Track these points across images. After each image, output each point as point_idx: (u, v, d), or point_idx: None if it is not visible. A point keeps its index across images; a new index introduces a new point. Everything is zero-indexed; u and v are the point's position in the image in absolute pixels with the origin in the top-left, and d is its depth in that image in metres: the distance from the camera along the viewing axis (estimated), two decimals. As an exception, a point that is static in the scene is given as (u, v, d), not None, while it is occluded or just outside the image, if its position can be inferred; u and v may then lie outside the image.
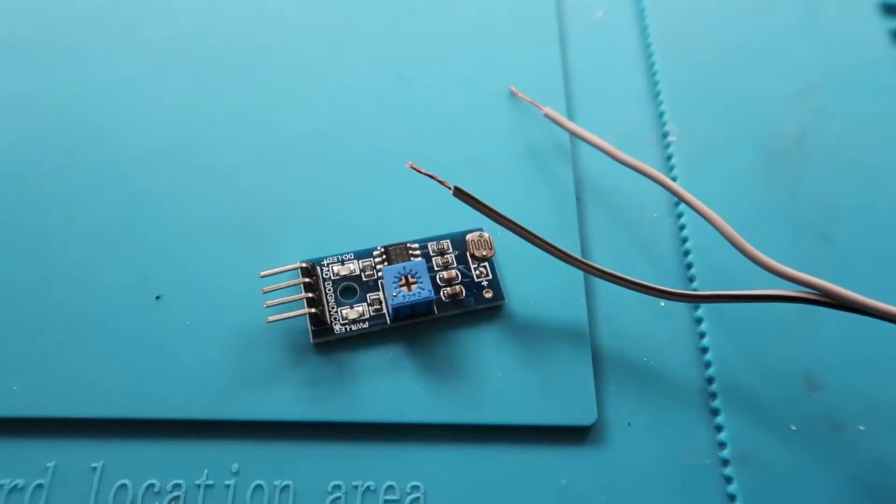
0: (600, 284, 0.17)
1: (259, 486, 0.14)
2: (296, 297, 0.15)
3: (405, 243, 0.16)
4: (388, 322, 0.15)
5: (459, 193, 0.14)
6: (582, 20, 0.21)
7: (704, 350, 0.16)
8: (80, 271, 0.15)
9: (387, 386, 0.15)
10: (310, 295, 0.15)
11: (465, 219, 0.17)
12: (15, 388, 0.14)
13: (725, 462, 0.15)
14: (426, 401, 0.15)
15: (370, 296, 0.16)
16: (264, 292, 0.15)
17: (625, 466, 0.15)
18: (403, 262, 0.16)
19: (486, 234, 0.16)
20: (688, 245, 0.17)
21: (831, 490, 0.15)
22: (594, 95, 0.20)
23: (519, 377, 0.15)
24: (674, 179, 0.18)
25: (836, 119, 0.19)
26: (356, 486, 0.14)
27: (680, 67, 0.20)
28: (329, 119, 0.18)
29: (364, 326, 0.15)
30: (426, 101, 0.19)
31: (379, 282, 0.16)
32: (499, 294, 0.16)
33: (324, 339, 0.15)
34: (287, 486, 0.14)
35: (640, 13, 0.21)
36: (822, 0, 0.22)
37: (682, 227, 0.18)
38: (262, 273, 0.15)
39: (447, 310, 0.16)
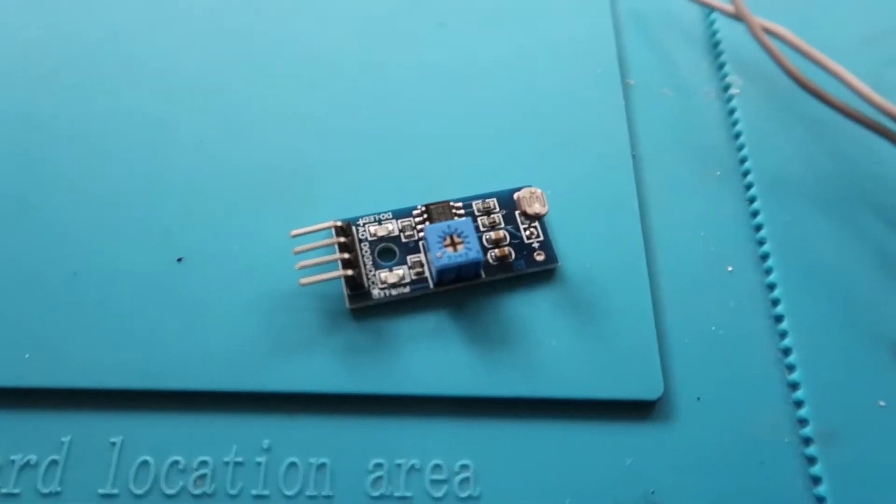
0: (662, 246, 0.15)
1: (293, 464, 0.13)
2: (330, 258, 0.14)
3: (448, 201, 0.15)
4: (432, 286, 0.14)
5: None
6: None
7: (779, 318, 0.14)
8: (98, 232, 0.14)
9: (430, 355, 0.13)
10: (345, 256, 0.14)
11: (512, 175, 0.15)
12: (27, 356, 0.13)
13: (807, 440, 0.13)
14: (474, 372, 0.13)
15: (410, 258, 0.14)
16: (296, 253, 0.14)
17: (694, 444, 0.13)
18: (445, 221, 0.14)
19: (537, 190, 0.14)
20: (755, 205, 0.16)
21: (927, 472, 0.13)
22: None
23: (575, 347, 0.14)
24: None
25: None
26: (399, 465, 0.13)
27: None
28: (365, 68, 0.17)
29: (405, 291, 0.14)
30: (467, 50, 0.17)
31: (420, 243, 0.14)
32: (551, 256, 0.14)
33: (361, 305, 0.14)
34: (323, 465, 0.13)
35: None
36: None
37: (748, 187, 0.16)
38: (294, 232, 0.14)
39: (495, 273, 0.14)
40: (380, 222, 0.15)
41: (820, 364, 0.14)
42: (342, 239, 0.14)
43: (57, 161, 0.15)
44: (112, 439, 0.13)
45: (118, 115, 0.16)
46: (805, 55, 0.16)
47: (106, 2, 0.18)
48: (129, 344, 0.13)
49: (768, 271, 0.15)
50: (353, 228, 0.14)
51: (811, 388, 0.14)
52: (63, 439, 0.13)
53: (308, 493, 0.12)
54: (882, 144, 0.16)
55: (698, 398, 0.14)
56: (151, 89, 0.16)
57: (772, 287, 0.15)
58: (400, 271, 0.14)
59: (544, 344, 0.14)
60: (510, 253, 0.14)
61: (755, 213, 0.16)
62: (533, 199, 0.14)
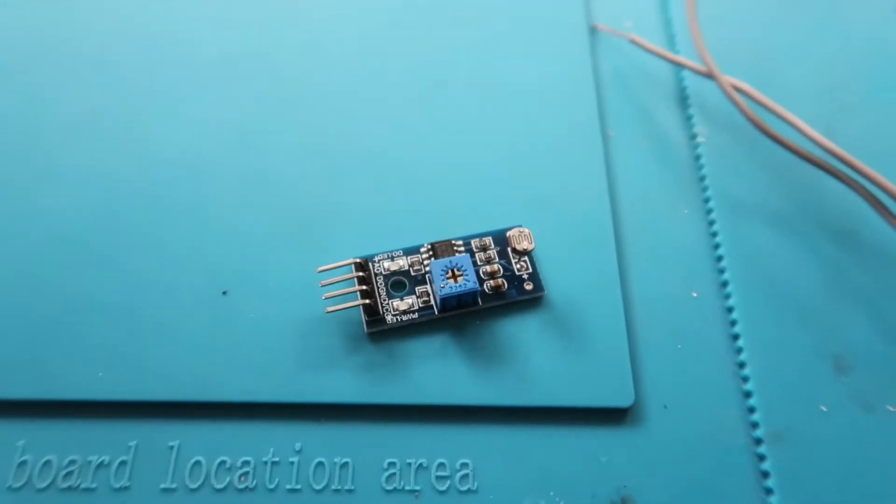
0: (635, 275, 0.18)
1: (320, 463, 0.15)
2: (350, 289, 0.16)
3: (450, 240, 0.17)
4: (436, 312, 0.16)
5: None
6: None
7: (736, 336, 0.17)
8: (158, 272, 0.17)
9: (436, 371, 0.16)
10: (363, 287, 0.16)
11: (505, 216, 0.18)
12: (100, 374, 0.16)
13: (758, 441, 0.16)
14: (473, 384, 0.16)
15: (419, 289, 0.17)
16: (322, 285, 0.16)
17: (662, 446, 0.15)
18: (447, 257, 0.17)
19: (525, 229, 0.17)
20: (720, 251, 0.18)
21: (862, 469, 0.15)
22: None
23: (559, 362, 0.16)
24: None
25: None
26: (409, 464, 0.15)
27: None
28: (375, 128, 0.19)
29: (414, 317, 0.16)
30: (464, 106, 0.20)
31: (426, 276, 0.17)
32: (539, 286, 0.17)
33: (377, 329, 0.16)
34: (346, 463, 0.15)
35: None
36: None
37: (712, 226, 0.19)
38: (320, 268, 0.16)
39: (490, 301, 0.17)
40: (392, 258, 0.17)
41: (770, 375, 0.16)
42: (360, 273, 0.16)
43: (126, 213, 0.18)
44: (170, 443, 0.15)
45: (172, 168, 0.18)
46: (766, 108, 0.19)
47: (157, 55, 0.20)
48: (183, 363, 0.16)
49: (728, 296, 0.17)
50: (370, 264, 0.17)
51: (762, 396, 0.16)
52: (130, 443, 0.15)
53: (333, 487, 0.15)
54: (830, 181, 0.19)
55: (665, 406, 0.16)
56: (196, 145, 0.19)
57: (730, 310, 0.17)
58: (410, 300, 0.17)
59: (532, 360, 0.16)
60: (503, 283, 0.17)
61: (717, 246, 0.18)
62: (522, 237, 0.17)
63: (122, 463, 0.15)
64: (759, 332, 0.17)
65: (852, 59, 0.22)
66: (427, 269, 0.17)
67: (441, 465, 0.15)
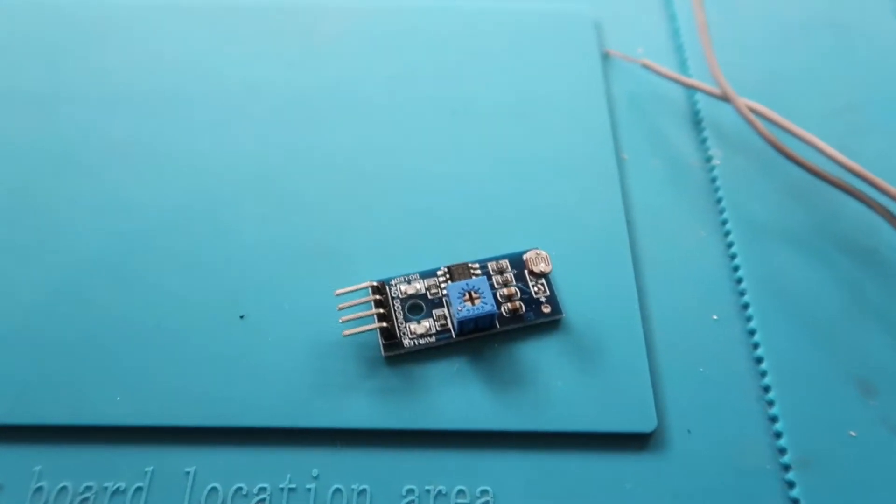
0: (654, 298, 0.17)
1: (338, 490, 0.15)
2: (368, 312, 0.16)
3: (466, 263, 0.17)
4: (454, 336, 0.16)
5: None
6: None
7: (759, 360, 0.17)
8: (176, 295, 0.17)
9: (454, 395, 0.16)
10: (381, 311, 0.16)
11: (521, 240, 0.18)
12: (118, 398, 0.15)
13: (786, 467, 0.15)
14: (492, 409, 0.16)
15: (436, 312, 0.17)
16: (340, 308, 0.16)
17: (687, 472, 0.15)
18: (464, 280, 0.17)
19: (542, 252, 0.17)
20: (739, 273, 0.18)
21: (894, 493, 0.15)
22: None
23: (579, 386, 0.16)
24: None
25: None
26: (428, 490, 0.15)
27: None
28: (392, 154, 0.20)
29: (431, 340, 0.16)
30: (480, 131, 0.20)
31: (443, 299, 0.17)
32: (557, 309, 0.17)
33: (394, 353, 0.16)
34: (364, 490, 0.15)
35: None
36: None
37: (730, 245, 0.18)
38: (338, 291, 0.16)
39: (508, 324, 0.17)
40: (409, 282, 0.17)
41: (796, 399, 0.16)
42: (378, 296, 0.16)
43: (144, 238, 0.18)
44: (187, 469, 0.15)
45: (191, 194, 0.19)
46: (782, 128, 0.19)
47: (182, 87, 0.21)
48: (200, 388, 0.16)
49: (749, 318, 0.17)
50: (387, 287, 0.17)
51: (789, 420, 0.16)
52: (146, 469, 0.15)
53: (351, 514, 0.15)
54: (847, 200, 0.18)
55: (689, 431, 0.16)
56: (215, 172, 0.19)
57: (752, 332, 0.17)
58: (427, 323, 0.16)
59: (552, 384, 0.16)
60: (521, 306, 0.17)
61: (736, 268, 0.18)
62: (539, 260, 0.17)
63: (139, 489, 0.15)
64: (783, 355, 0.17)
65: (862, 83, 0.22)
66: (444, 292, 0.17)
67: (461, 491, 0.15)
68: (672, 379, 0.16)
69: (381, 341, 0.16)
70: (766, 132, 0.19)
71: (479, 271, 0.17)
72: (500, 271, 0.17)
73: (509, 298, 0.17)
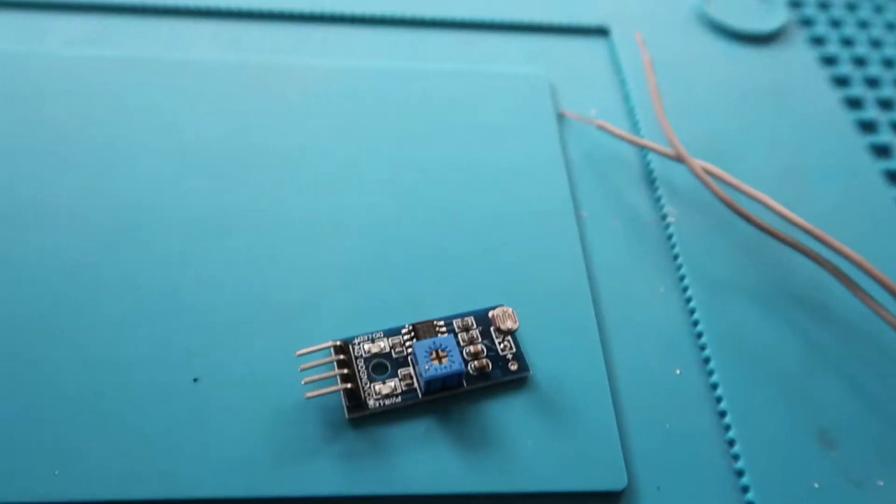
0: (618, 353, 0.17)
1: (301, 564, 0.14)
2: (331, 373, 0.16)
3: (432, 321, 0.17)
4: (420, 395, 0.16)
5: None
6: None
7: (723, 413, 0.17)
8: (123, 358, 0.16)
9: (422, 458, 0.15)
10: (344, 371, 0.16)
11: (485, 297, 0.18)
12: (56, 472, 0.14)
13: (755, 522, 0.15)
14: (461, 471, 0.15)
15: (401, 371, 0.16)
16: (302, 370, 0.16)
17: (658, 531, 0.15)
18: (430, 338, 0.16)
19: (509, 309, 0.16)
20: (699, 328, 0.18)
21: (861, 546, 0.15)
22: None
23: (549, 445, 0.16)
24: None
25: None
26: (397, 560, 0.14)
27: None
28: (350, 212, 0.19)
29: (397, 401, 0.16)
30: (441, 192, 0.20)
31: (409, 358, 0.16)
32: (524, 366, 0.17)
33: (359, 414, 0.16)
34: (328, 563, 0.14)
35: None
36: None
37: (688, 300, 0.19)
38: (298, 352, 0.16)
39: (475, 382, 0.16)
40: (373, 340, 0.17)
41: (760, 452, 0.16)
42: (341, 356, 0.16)
43: (90, 296, 0.17)
44: (135, 548, 0.14)
45: (141, 251, 0.18)
46: (734, 188, 0.20)
47: (131, 158, 0.20)
48: (150, 458, 0.15)
49: (710, 372, 0.17)
50: (350, 347, 0.16)
51: (754, 473, 0.16)
52: (89, 550, 0.14)
53: (314, 591, 0.14)
54: (798, 257, 0.19)
55: (658, 487, 0.15)
56: (166, 230, 0.18)
57: (715, 386, 0.17)
58: (392, 383, 0.16)
59: (521, 444, 0.16)
60: (488, 364, 0.16)
61: (696, 323, 0.18)
62: (506, 317, 0.16)
63: (79, 573, 0.14)
64: (745, 409, 0.17)
65: (802, 146, 0.23)
66: (409, 350, 0.16)
67: (430, 560, 0.14)
68: (640, 435, 0.16)
69: (344, 403, 0.16)
70: (720, 191, 0.19)
71: (444, 329, 0.17)
72: (466, 328, 0.17)
73: (476, 356, 0.16)
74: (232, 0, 0.25)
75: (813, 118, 0.24)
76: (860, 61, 0.26)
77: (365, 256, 0.19)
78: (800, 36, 0.27)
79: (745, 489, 0.16)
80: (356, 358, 0.16)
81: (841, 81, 0.26)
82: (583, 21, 0.26)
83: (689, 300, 0.19)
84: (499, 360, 0.17)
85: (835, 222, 0.20)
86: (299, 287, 0.18)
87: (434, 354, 0.16)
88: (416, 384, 0.16)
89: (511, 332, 0.16)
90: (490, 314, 0.17)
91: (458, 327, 0.17)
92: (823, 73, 0.26)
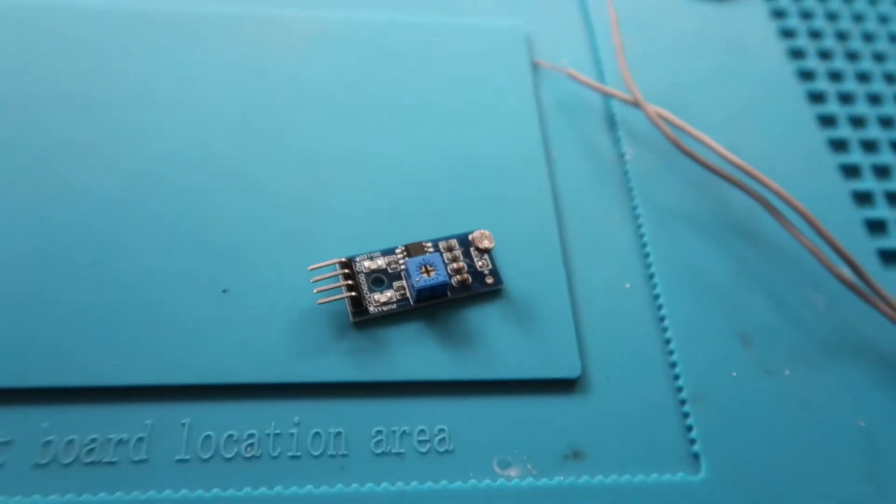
0: (578, 270, 0.21)
1: (317, 433, 0.17)
2: (338, 284, 0.19)
3: (421, 242, 0.20)
4: (412, 303, 0.19)
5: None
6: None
7: (662, 319, 0.20)
8: (165, 272, 0.19)
9: (413, 352, 0.19)
10: (349, 283, 0.19)
11: (467, 223, 0.21)
12: (115, 362, 0.17)
13: (683, 402, 0.19)
14: (446, 362, 0.18)
15: (395, 284, 0.19)
16: (314, 281, 0.19)
17: (605, 409, 0.18)
18: (420, 256, 0.19)
19: (486, 231, 0.20)
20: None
21: (765, 422, 0.19)
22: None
23: (518, 343, 0.19)
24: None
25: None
26: (394, 431, 0.18)
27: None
28: (353, 149, 0.22)
29: (393, 307, 0.19)
30: (429, 132, 0.23)
31: (402, 272, 0.20)
32: (498, 280, 0.20)
33: (361, 318, 0.19)
34: (339, 433, 0.17)
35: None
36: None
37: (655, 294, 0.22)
38: (311, 266, 0.19)
39: (458, 293, 0.19)
40: (372, 258, 0.20)
41: (691, 348, 0.20)
42: (346, 270, 0.19)
43: (136, 223, 0.20)
44: (182, 421, 0.17)
45: (176, 182, 0.21)
46: (683, 130, 0.22)
47: (149, 104, 0.23)
48: (191, 351, 0.18)
49: (654, 286, 0.21)
50: (353, 263, 0.20)
51: (685, 365, 0.19)
52: (146, 422, 0.17)
53: (329, 453, 0.17)
54: (735, 191, 0.22)
55: (606, 377, 0.19)
56: (195, 162, 0.21)
57: (657, 297, 0.21)
58: (388, 293, 0.19)
59: (495, 341, 0.19)
60: (468, 278, 0.20)
61: (644, 245, 0.21)
62: (483, 238, 0.20)
63: (140, 439, 0.17)
64: (681, 315, 0.20)
65: (751, 93, 0.26)
66: (402, 266, 0.20)
67: (421, 431, 0.18)
68: (593, 335, 0.20)
69: (349, 308, 0.19)
70: (671, 134, 0.22)
71: (431, 248, 0.20)
72: (450, 249, 0.20)
73: (458, 272, 0.20)
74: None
75: (760, 69, 0.27)
76: (806, 14, 0.29)
77: (364, 188, 0.21)
78: (755, -9, 0.30)
79: (676, 377, 0.19)
80: (357, 273, 0.19)
81: (787, 34, 0.28)
82: (557, -25, 0.29)
83: (640, 226, 0.22)
84: (477, 275, 0.20)
85: (770, 161, 0.23)
86: (308, 214, 0.21)
87: (424, 269, 0.19)
88: (408, 294, 0.19)
89: (488, 251, 0.20)
90: (470, 236, 0.20)
91: (443, 248, 0.20)
92: (773, 27, 0.28)
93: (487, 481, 0.17)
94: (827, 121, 0.26)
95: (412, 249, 0.20)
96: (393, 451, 0.17)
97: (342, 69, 0.24)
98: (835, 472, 0.18)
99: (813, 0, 0.30)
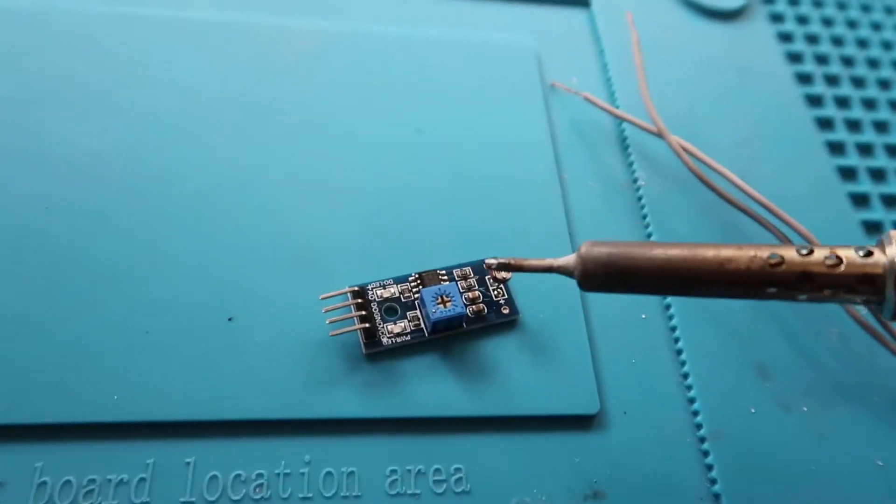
0: (593, 302, 0.20)
1: (329, 473, 0.17)
2: (351, 315, 0.18)
3: (435, 270, 0.19)
4: (426, 334, 0.18)
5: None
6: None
7: (679, 352, 0.20)
8: (169, 301, 0.18)
9: (428, 387, 0.18)
10: (362, 313, 0.18)
11: (478, 249, 0.20)
12: (115, 397, 0.17)
13: (702, 439, 0.18)
14: (461, 398, 0.18)
15: (409, 314, 0.19)
16: (326, 311, 0.18)
17: (624, 446, 0.18)
18: (434, 285, 0.19)
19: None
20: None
21: (784, 458, 0.18)
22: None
23: (535, 377, 0.18)
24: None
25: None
26: (409, 470, 0.17)
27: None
28: (364, 175, 0.21)
29: (406, 338, 0.18)
30: (441, 155, 0.22)
31: (416, 302, 0.19)
32: (514, 310, 0.19)
33: (374, 350, 0.18)
34: (352, 472, 0.17)
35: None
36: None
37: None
38: (323, 296, 0.18)
39: (473, 324, 0.19)
40: (384, 286, 0.19)
41: (709, 383, 0.19)
42: (358, 300, 0.18)
43: (141, 247, 0.19)
44: (187, 460, 0.16)
45: (184, 207, 0.20)
46: (702, 161, 0.22)
47: (174, 101, 0.22)
48: (196, 384, 0.17)
49: (671, 317, 0.20)
50: (366, 292, 0.19)
51: (703, 401, 0.19)
52: (148, 461, 0.16)
53: (342, 494, 0.16)
54: (747, 220, 0.22)
55: (625, 412, 0.19)
56: (206, 186, 0.20)
57: (674, 329, 0.20)
58: (402, 324, 0.18)
59: (511, 375, 0.18)
60: (484, 308, 0.19)
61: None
62: (500, 268, 0.19)
63: (142, 480, 0.16)
64: (698, 347, 0.20)
65: (758, 117, 0.26)
66: (416, 295, 0.19)
67: (437, 470, 0.17)
68: (610, 369, 0.19)
69: (361, 340, 0.18)
70: (692, 165, 0.22)
71: (445, 277, 0.19)
72: (465, 277, 0.20)
73: (474, 301, 0.19)
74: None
75: (768, 92, 0.27)
76: (812, 38, 0.29)
77: (373, 212, 0.21)
78: (761, 12, 0.29)
79: (695, 413, 0.19)
80: (370, 302, 0.19)
81: (794, 58, 0.28)
82: (566, -9, 0.28)
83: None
84: (493, 305, 0.19)
85: (780, 187, 0.23)
86: (319, 240, 0.20)
87: (440, 299, 0.18)
88: (422, 324, 0.19)
89: (505, 282, 0.19)
90: (485, 264, 0.19)
91: (458, 276, 0.20)
92: (780, 50, 0.28)
93: (507, 524, 0.17)
94: (835, 147, 0.26)
95: (426, 278, 0.19)
96: (408, 491, 0.17)
97: (352, 87, 0.23)
98: (854, 512, 0.18)
99: (818, 24, 0.30)
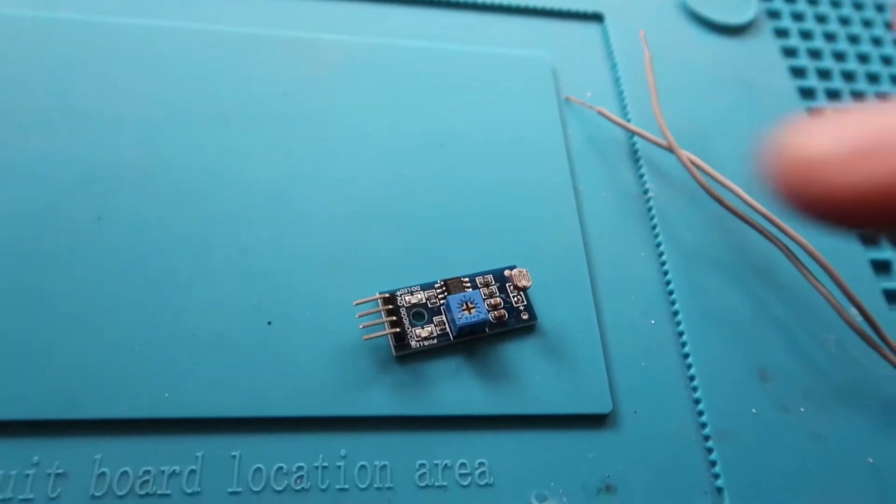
0: (606, 306, 0.22)
1: (363, 466, 0.18)
2: (383, 320, 0.19)
3: (459, 277, 0.21)
4: (452, 338, 0.20)
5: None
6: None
7: (686, 355, 0.21)
8: (213, 307, 0.19)
9: (454, 387, 0.19)
10: (393, 318, 0.19)
11: (498, 257, 0.21)
12: (166, 394, 0.18)
13: (707, 437, 0.20)
14: (484, 398, 0.19)
15: (435, 318, 0.20)
16: (359, 316, 0.19)
17: (634, 443, 0.19)
18: (458, 292, 0.20)
19: (524, 270, 0.20)
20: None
21: (784, 457, 0.20)
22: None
23: (552, 378, 0.20)
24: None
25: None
26: (437, 464, 0.18)
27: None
28: (392, 186, 0.23)
29: (433, 342, 0.20)
30: (462, 169, 0.23)
31: (441, 307, 0.20)
32: (533, 316, 0.21)
33: (404, 353, 0.19)
34: (384, 466, 0.18)
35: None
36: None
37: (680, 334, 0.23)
38: (356, 301, 0.19)
39: (494, 329, 0.20)
40: (412, 293, 0.20)
41: (714, 385, 0.21)
42: (389, 306, 0.20)
43: (182, 258, 0.20)
44: (233, 453, 0.18)
45: (227, 218, 0.21)
46: (712, 177, 0.23)
47: (192, 125, 0.23)
48: (240, 384, 0.18)
49: (678, 323, 0.22)
50: (396, 298, 0.20)
51: (708, 402, 0.20)
52: (197, 454, 0.18)
53: (375, 486, 0.18)
54: (754, 233, 0.23)
55: (635, 411, 0.20)
56: (245, 199, 0.21)
57: (681, 334, 0.22)
58: (429, 328, 0.20)
59: (531, 378, 0.20)
60: (504, 314, 0.20)
61: (668, 283, 0.22)
62: (522, 276, 0.20)
63: (192, 471, 0.17)
64: (704, 351, 0.21)
65: (765, 130, 0.27)
66: (442, 301, 0.20)
67: (462, 464, 0.18)
68: (622, 371, 0.21)
69: (392, 343, 0.19)
70: (702, 180, 0.23)
71: (468, 284, 0.21)
72: (487, 284, 0.21)
73: (495, 307, 0.20)
74: (264, -27, 0.27)
75: (773, 106, 0.28)
76: (815, 53, 0.30)
77: (400, 222, 0.22)
78: (767, 27, 0.31)
79: (700, 413, 0.20)
80: (399, 307, 0.20)
81: (798, 72, 0.29)
82: (579, 6, 0.29)
83: (663, 264, 0.23)
84: (513, 311, 0.21)
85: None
86: (352, 248, 0.21)
87: (465, 306, 0.19)
88: (448, 329, 0.20)
89: (525, 289, 0.20)
90: (507, 273, 0.21)
91: (480, 283, 0.21)
92: (784, 64, 0.29)
93: (527, 514, 0.18)
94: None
95: (451, 285, 0.20)
96: (436, 483, 0.18)
97: (377, 100, 0.25)
98: (846, 506, 0.19)
99: (821, 39, 0.31)
